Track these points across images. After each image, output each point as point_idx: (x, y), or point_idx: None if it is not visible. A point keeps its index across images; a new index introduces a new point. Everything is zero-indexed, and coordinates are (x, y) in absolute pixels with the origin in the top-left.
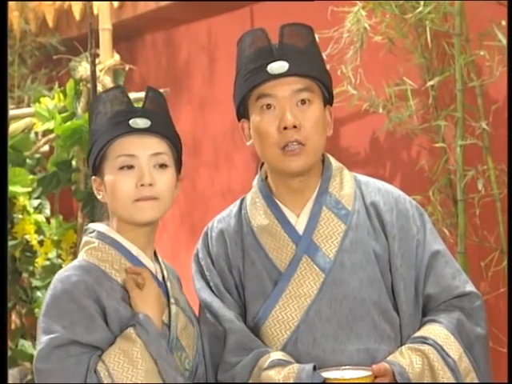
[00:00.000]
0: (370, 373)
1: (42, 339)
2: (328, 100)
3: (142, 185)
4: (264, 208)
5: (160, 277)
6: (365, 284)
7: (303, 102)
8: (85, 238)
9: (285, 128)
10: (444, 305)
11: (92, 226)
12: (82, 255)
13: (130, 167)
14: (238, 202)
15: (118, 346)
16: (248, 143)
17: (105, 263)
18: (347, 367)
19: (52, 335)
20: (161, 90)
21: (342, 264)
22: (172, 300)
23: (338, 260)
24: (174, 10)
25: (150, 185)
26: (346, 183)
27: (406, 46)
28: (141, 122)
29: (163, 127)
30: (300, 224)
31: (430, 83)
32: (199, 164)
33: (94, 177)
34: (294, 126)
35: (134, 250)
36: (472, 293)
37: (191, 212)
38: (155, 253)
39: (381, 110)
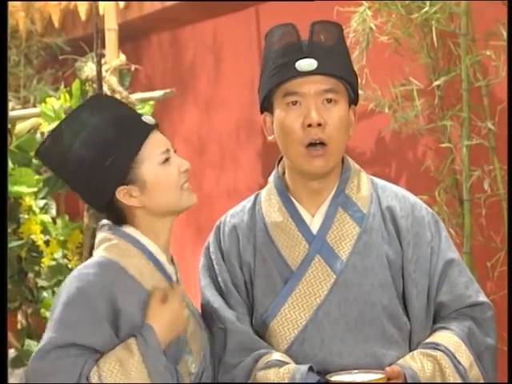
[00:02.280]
0: (382, 375)
1: (45, 336)
2: (353, 100)
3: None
4: (279, 205)
5: (174, 279)
6: (376, 288)
7: (329, 100)
8: (102, 235)
9: (309, 125)
10: (456, 313)
11: (107, 222)
12: (100, 252)
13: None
14: (252, 198)
15: (116, 354)
16: (270, 138)
17: (125, 260)
18: (358, 371)
19: (55, 334)
20: (166, 91)
21: (355, 266)
22: (184, 304)
23: (351, 262)
24: (179, 10)
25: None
26: (363, 186)
27: (412, 46)
28: None
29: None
30: (315, 223)
31: (436, 83)
32: (205, 164)
33: (123, 186)
34: (319, 124)
35: (154, 249)
36: (484, 303)
37: (197, 212)
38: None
39: (387, 110)
